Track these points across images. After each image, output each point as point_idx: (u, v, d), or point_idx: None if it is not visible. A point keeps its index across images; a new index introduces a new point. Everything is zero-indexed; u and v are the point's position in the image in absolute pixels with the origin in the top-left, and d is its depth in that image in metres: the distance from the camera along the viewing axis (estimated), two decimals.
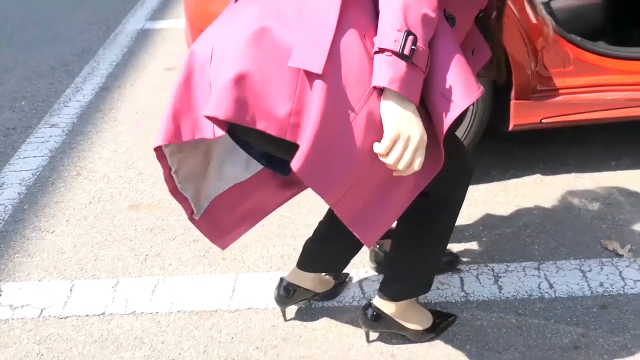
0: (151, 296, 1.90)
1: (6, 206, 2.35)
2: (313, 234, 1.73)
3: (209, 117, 1.15)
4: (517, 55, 2.11)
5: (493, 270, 1.95)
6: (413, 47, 1.10)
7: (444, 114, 1.15)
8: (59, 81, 3.39)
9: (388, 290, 1.62)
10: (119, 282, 1.97)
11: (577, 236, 2.08)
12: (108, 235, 2.18)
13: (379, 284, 1.65)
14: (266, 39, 1.14)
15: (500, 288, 1.88)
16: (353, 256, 1.75)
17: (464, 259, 1.99)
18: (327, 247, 1.70)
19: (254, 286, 1.92)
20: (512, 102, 2.19)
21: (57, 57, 3.71)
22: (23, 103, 3.17)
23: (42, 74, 3.49)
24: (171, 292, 1.91)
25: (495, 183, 2.36)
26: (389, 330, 1.68)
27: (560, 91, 2.21)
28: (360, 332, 1.73)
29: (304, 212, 2.23)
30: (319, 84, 1.11)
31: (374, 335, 1.72)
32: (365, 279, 1.93)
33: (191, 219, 1.48)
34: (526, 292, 1.86)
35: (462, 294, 1.87)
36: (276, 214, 2.21)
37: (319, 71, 1.10)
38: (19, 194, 2.42)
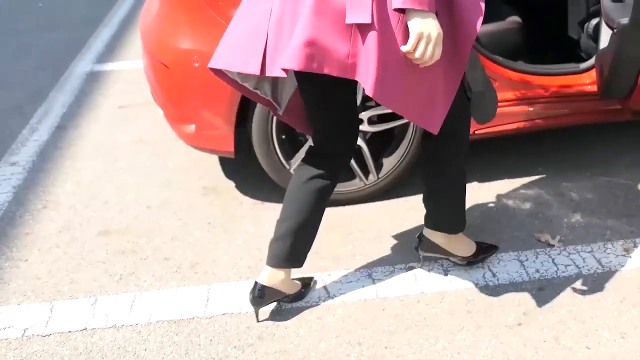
0: (130, 310, 2.02)
1: None
2: (274, 233, 1.93)
3: (284, 70, 1.54)
4: None
5: (442, 265, 2.16)
6: None
7: (469, 24, 1.56)
8: (14, 123, 3.47)
9: (429, 223, 2.06)
10: (97, 300, 2.08)
11: (513, 232, 2.33)
12: (81, 260, 2.28)
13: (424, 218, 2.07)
14: (324, 6, 1.49)
15: (449, 280, 2.09)
16: (309, 246, 1.96)
17: (417, 258, 2.20)
18: (288, 240, 1.90)
19: (227, 294, 2.07)
20: None
21: (9, 100, 3.78)
22: None
23: None
24: (149, 305, 2.03)
25: None
26: (439, 255, 2.10)
27: None
28: (329, 326, 1.90)
29: (267, 227, 2.40)
30: (369, 30, 1.47)
31: (339, 326, 1.89)
32: (329, 282, 2.11)
33: (276, 114, 1.92)
34: (472, 282, 2.08)
35: (417, 287, 2.07)
36: (242, 231, 2.38)
37: (369, 21, 1.46)
38: None
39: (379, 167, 2.50)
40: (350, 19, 1.49)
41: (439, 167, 2.00)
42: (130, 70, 4.18)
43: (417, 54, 1.50)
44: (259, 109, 2.33)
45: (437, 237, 2.08)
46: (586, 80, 2.54)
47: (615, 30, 2.06)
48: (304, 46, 1.49)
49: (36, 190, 2.76)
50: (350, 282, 2.11)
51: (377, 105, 2.45)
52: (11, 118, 3.54)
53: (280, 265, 1.92)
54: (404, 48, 1.50)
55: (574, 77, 2.56)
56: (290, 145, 2.48)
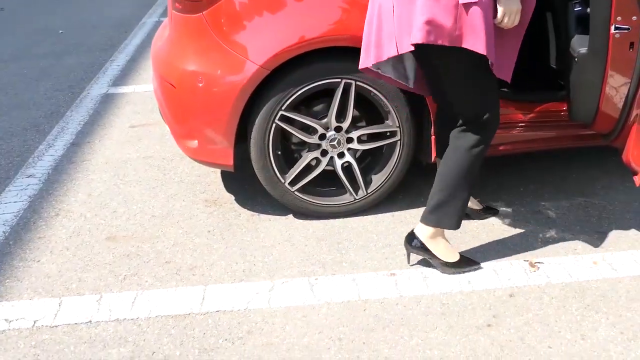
0: (132, 306, 2.20)
1: None
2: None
3: (414, 45, 1.96)
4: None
5: (422, 273, 2.33)
6: None
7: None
8: (32, 139, 3.70)
9: (425, 217, 2.29)
10: (102, 297, 2.26)
11: (491, 245, 2.49)
12: (89, 262, 2.47)
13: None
14: None
15: (427, 286, 2.26)
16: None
17: (399, 265, 2.37)
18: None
19: (221, 294, 2.25)
20: (432, 137, 2.63)
21: (28, 119, 4.03)
22: None
23: (15, 134, 3.79)
24: (149, 302, 2.21)
25: (423, 207, 2.76)
26: (422, 254, 2.30)
27: None
28: (313, 323, 2.07)
29: (262, 236, 2.59)
30: (472, 7, 1.90)
31: (322, 324, 2.06)
32: (316, 285, 2.28)
33: (407, 88, 2.33)
34: (449, 287, 2.24)
35: (396, 291, 2.23)
36: (238, 239, 2.56)
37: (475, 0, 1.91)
38: (3, 232, 2.70)
39: (367, 182, 2.69)
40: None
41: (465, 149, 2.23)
42: (142, 93, 4.43)
43: (503, 24, 2.00)
44: (256, 126, 2.53)
45: (427, 237, 2.29)
46: (564, 107, 2.72)
47: (576, 59, 2.25)
48: (424, 25, 1.92)
49: (50, 200, 2.97)
50: (336, 285, 2.28)
51: (367, 125, 2.64)
52: (29, 135, 3.77)
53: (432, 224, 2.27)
54: (495, 21, 1.98)
55: (553, 104, 2.74)
56: (285, 160, 2.67)
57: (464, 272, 2.32)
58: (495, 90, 2.20)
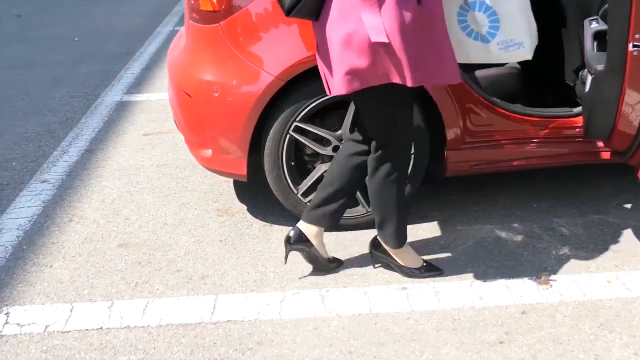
0: (143, 313, 2.20)
1: (6, 247, 2.64)
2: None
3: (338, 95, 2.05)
4: (448, 113, 2.56)
5: (434, 288, 2.32)
6: None
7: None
8: (46, 145, 3.73)
9: (379, 234, 2.36)
10: (114, 303, 2.26)
11: (504, 261, 2.48)
12: (101, 268, 2.48)
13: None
14: (349, 39, 1.95)
15: (439, 301, 2.25)
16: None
17: (411, 280, 2.36)
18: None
19: (232, 304, 2.24)
20: (446, 151, 2.63)
21: (43, 125, 4.06)
22: (14, 163, 3.48)
23: (30, 139, 3.82)
24: (160, 310, 2.21)
25: (435, 222, 2.77)
26: (386, 259, 2.38)
27: (486, 142, 2.67)
28: (324, 335, 2.07)
29: (274, 247, 2.59)
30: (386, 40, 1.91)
31: (333, 336, 2.05)
32: (327, 297, 2.27)
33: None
34: (461, 303, 2.23)
35: (408, 306, 2.22)
36: (250, 249, 2.57)
37: (387, 40, 1.90)
38: (17, 237, 2.72)
39: None
40: (374, 39, 1.90)
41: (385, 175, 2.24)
42: (156, 101, 4.45)
43: None
44: (271, 136, 2.54)
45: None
46: (579, 123, 2.72)
47: (594, 76, 2.25)
48: (344, 76, 1.95)
49: (63, 205, 2.98)
50: (347, 298, 2.27)
51: None
52: (44, 140, 3.80)
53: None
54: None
55: (567, 121, 2.73)
56: (299, 171, 2.67)
57: (425, 277, 2.36)
58: (410, 118, 2.20)
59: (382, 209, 2.29)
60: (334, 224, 2.40)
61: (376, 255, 2.43)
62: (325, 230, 2.37)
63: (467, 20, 2.29)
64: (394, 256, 2.37)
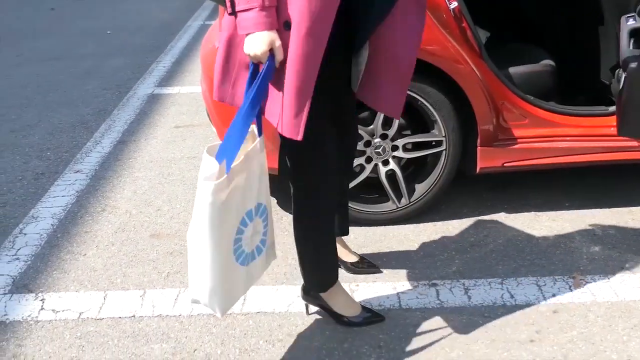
0: (174, 303, 2.23)
1: (42, 235, 2.69)
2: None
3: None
4: (481, 110, 2.55)
5: (464, 284, 2.31)
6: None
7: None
8: (80, 136, 3.79)
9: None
10: (146, 292, 2.30)
11: (535, 259, 2.46)
12: (133, 257, 2.52)
13: None
14: None
15: (469, 298, 2.24)
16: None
17: (440, 276, 2.35)
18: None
19: (263, 296, 2.26)
20: (478, 148, 2.61)
21: (76, 116, 4.12)
22: (49, 153, 3.55)
23: (64, 130, 3.89)
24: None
25: (466, 219, 2.75)
26: (319, 303, 2.07)
27: (518, 140, 2.64)
28: (353, 330, 2.07)
29: None
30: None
31: (363, 330, 2.06)
32: (357, 291, 2.28)
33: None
34: (491, 301, 2.22)
35: (438, 302, 2.22)
36: (281, 242, 2.58)
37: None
38: (52, 225, 2.77)
39: (411, 191, 2.68)
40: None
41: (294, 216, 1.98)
42: (187, 94, 4.50)
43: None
44: None
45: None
46: (613, 122, 2.68)
47: (628, 74, 2.21)
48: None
49: (97, 195, 3.03)
50: (377, 293, 2.27)
51: (413, 133, 2.64)
52: (78, 132, 3.86)
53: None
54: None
55: (602, 119, 2.70)
56: None
57: (363, 325, 2.08)
58: (319, 158, 1.87)
59: (297, 247, 2.02)
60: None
61: (308, 300, 2.10)
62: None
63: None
64: (327, 301, 2.06)
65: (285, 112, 1.69)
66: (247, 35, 1.64)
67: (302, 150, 1.84)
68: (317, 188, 1.91)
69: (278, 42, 1.64)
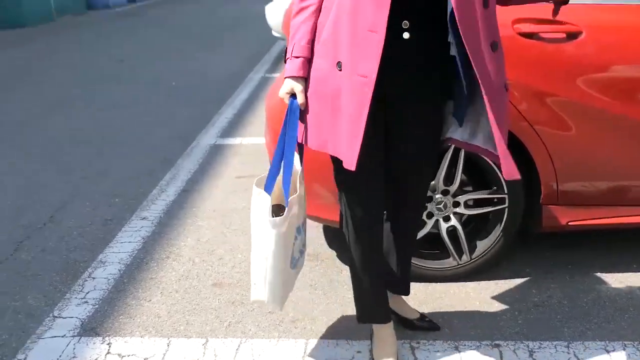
0: (235, 353, 2.25)
1: (109, 279, 2.78)
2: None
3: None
4: (544, 168, 2.53)
5: (528, 346, 2.26)
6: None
7: None
8: (146, 183, 3.93)
9: None
10: (208, 341, 2.33)
11: (602, 323, 2.39)
12: (196, 305, 2.57)
13: None
14: None
15: None
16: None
17: (503, 336, 2.31)
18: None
19: (323, 350, 2.26)
20: (542, 206, 2.58)
21: (144, 165, 4.28)
22: (117, 200, 3.69)
23: (132, 178, 4.04)
24: (252, 350, 2.26)
25: (528, 278, 2.71)
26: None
27: (583, 199, 2.60)
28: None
29: None
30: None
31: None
32: (418, 349, 2.25)
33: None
34: None
35: None
36: (340, 295, 2.59)
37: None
38: (119, 270, 2.86)
39: (472, 248, 2.66)
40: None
41: None
42: (248, 145, 4.62)
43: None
44: None
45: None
46: None
47: None
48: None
49: (161, 243, 3.12)
50: (437, 351, 2.24)
51: (474, 189, 2.64)
52: (144, 180, 4.01)
53: None
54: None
55: None
56: None
57: None
58: (356, 190, 1.99)
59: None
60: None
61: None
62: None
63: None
64: (372, 335, 2.25)
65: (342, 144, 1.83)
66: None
67: (351, 189, 2.01)
68: (356, 222, 2.05)
69: (299, 88, 1.86)
